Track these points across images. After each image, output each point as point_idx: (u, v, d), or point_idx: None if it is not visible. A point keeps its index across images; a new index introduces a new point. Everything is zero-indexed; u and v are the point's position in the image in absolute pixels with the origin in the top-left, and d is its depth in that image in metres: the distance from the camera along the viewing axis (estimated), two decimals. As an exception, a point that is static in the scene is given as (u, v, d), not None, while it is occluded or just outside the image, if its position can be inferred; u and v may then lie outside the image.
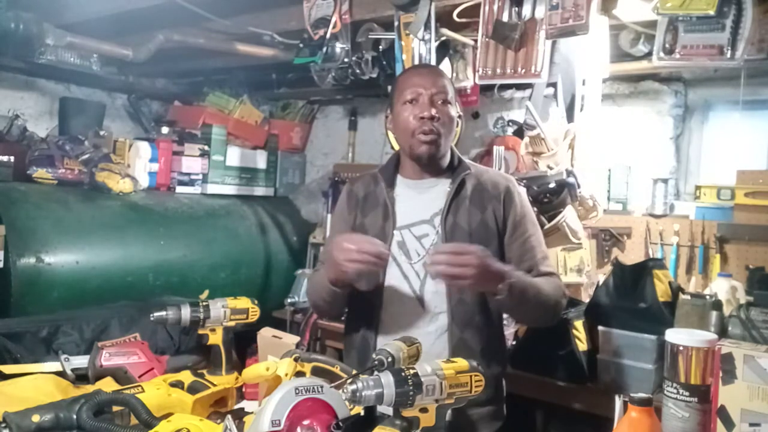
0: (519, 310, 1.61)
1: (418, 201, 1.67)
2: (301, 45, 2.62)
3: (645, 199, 2.76)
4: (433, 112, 1.58)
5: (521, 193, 1.72)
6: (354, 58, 2.63)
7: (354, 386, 1.05)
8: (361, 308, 1.68)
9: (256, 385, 1.60)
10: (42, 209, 2.67)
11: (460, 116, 1.73)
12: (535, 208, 1.84)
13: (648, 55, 2.42)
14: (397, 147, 3.01)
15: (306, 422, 1.07)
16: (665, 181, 2.70)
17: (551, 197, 2.30)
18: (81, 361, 1.66)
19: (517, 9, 2.20)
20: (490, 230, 1.62)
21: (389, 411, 1.10)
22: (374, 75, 2.67)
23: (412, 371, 1.07)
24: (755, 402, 1.15)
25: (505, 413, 1.71)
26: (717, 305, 2.01)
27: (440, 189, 1.66)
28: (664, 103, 2.81)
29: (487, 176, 1.69)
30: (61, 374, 1.61)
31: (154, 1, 2.56)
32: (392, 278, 1.63)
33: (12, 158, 2.81)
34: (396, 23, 2.44)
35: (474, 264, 1.40)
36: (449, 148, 1.69)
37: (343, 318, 2.83)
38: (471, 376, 1.14)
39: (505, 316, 1.84)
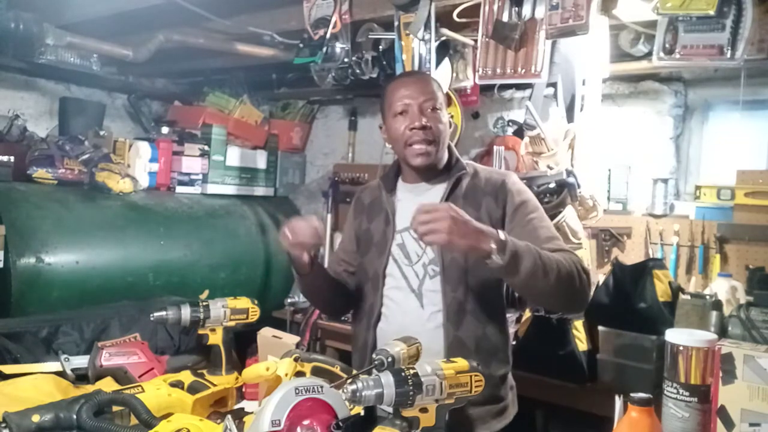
0: (525, 282, 1.41)
1: (417, 203, 1.66)
2: (301, 45, 2.62)
3: (645, 199, 2.76)
4: (424, 121, 1.59)
5: (517, 182, 1.68)
6: (354, 58, 2.63)
7: (354, 386, 1.05)
8: (363, 310, 1.72)
9: (256, 385, 1.60)
10: (42, 209, 2.67)
11: (452, 116, 1.75)
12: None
13: (648, 55, 2.42)
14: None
15: (306, 422, 1.07)
16: (665, 181, 2.70)
17: (551, 197, 2.30)
18: (81, 361, 1.66)
19: (517, 9, 2.19)
20: None
21: (389, 411, 1.10)
22: (374, 75, 2.67)
23: (412, 371, 1.08)
24: (755, 402, 1.15)
25: (512, 414, 1.68)
26: (717, 305, 2.01)
27: (437, 190, 1.68)
28: (664, 103, 2.81)
29: (484, 174, 1.69)
30: (61, 374, 1.61)
31: (154, 1, 2.56)
32: (392, 280, 1.66)
33: (12, 158, 2.81)
34: (396, 23, 2.44)
35: (443, 216, 1.34)
36: (446, 151, 1.70)
37: (344, 318, 2.91)
38: (471, 376, 1.15)
39: (507, 316, 1.83)
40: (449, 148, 1.72)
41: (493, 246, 1.35)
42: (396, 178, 1.76)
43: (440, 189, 1.67)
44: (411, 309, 1.62)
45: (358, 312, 1.77)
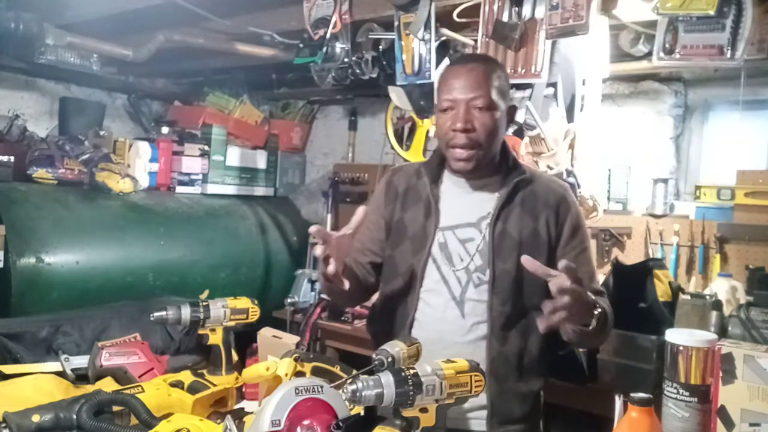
0: (592, 338, 1.48)
1: (465, 201, 1.56)
2: (301, 45, 2.62)
3: (645, 199, 2.76)
4: (467, 125, 1.45)
5: (576, 202, 1.60)
6: (354, 58, 2.63)
7: (354, 386, 1.05)
8: (393, 312, 1.59)
9: (256, 385, 1.60)
10: (42, 209, 2.67)
11: (514, 106, 1.58)
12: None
13: (648, 55, 2.41)
14: (398, 149, 3.03)
15: (306, 422, 1.07)
16: (665, 181, 2.70)
17: (551, 197, 2.30)
18: (81, 361, 1.66)
19: (517, 9, 2.20)
20: (540, 240, 1.51)
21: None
22: (374, 75, 2.67)
23: (412, 371, 1.07)
24: (755, 402, 1.15)
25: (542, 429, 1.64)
26: (717, 305, 2.01)
27: (490, 190, 1.55)
28: (664, 103, 2.81)
29: (542, 182, 1.58)
30: (61, 374, 1.61)
31: (154, 1, 2.57)
32: (430, 282, 1.53)
33: (12, 158, 2.81)
34: (396, 23, 2.44)
35: (574, 301, 1.27)
36: (496, 150, 1.55)
37: (343, 318, 2.90)
38: (471, 376, 1.14)
39: None
40: (504, 146, 1.58)
41: (595, 319, 1.36)
42: (440, 167, 1.59)
43: (493, 189, 1.55)
44: (451, 318, 1.51)
45: (385, 308, 1.62)
